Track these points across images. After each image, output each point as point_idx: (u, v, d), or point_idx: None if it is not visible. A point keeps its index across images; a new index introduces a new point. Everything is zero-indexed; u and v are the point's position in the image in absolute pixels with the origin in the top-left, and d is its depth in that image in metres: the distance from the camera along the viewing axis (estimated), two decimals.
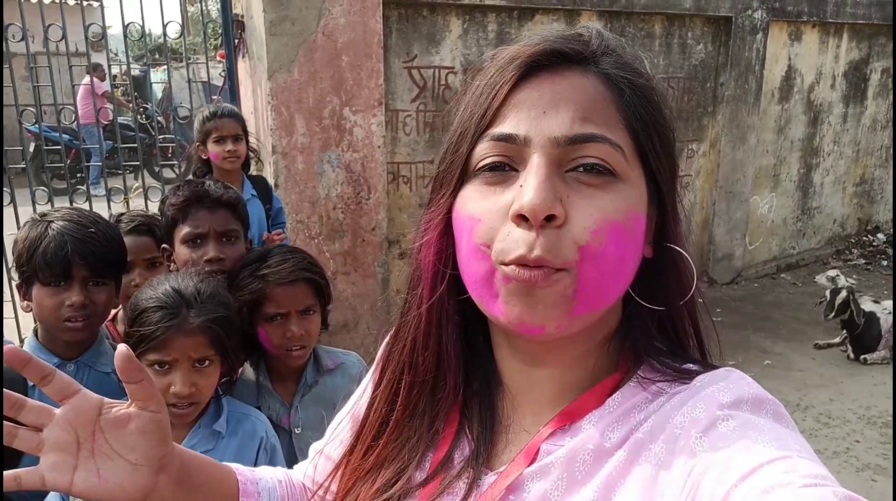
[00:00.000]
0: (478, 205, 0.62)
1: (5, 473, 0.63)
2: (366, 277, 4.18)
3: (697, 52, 5.64)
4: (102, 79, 7.74)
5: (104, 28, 4.11)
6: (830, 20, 6.35)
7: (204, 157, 2.99)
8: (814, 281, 5.94)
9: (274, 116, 3.80)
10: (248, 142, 3.05)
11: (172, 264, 1.89)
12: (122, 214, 2.11)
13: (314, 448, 0.91)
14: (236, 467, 0.84)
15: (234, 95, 4.17)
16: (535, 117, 0.60)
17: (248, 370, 1.75)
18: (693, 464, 0.54)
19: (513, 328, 0.61)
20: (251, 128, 4.22)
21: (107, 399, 0.68)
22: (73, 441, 0.65)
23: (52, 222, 1.58)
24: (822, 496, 0.46)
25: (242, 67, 4.26)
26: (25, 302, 1.61)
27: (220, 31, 4.20)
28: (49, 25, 3.74)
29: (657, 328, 0.67)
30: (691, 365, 0.64)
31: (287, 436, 1.70)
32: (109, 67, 4.49)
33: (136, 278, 1.95)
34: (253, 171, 3.41)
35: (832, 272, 5.27)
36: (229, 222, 1.86)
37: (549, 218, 0.58)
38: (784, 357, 4.74)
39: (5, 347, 0.64)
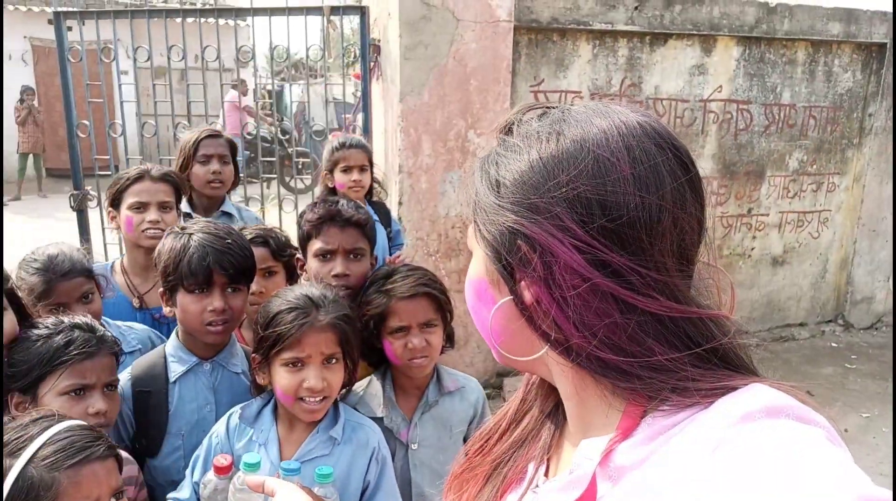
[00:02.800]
0: None
1: None
2: None
3: (844, 81, 5.31)
4: (245, 94, 8.30)
5: (253, 48, 4.43)
6: None
7: (330, 185, 3.11)
8: None
9: (402, 137, 3.94)
10: (372, 172, 3.15)
11: (304, 272, 2.02)
12: (242, 227, 2.25)
13: None
14: None
15: (366, 116, 4.35)
16: None
17: (374, 383, 1.84)
18: (702, 489, 0.53)
19: None
20: (381, 148, 4.39)
21: None
22: None
23: (192, 234, 1.72)
24: None
25: (376, 88, 4.45)
26: (169, 307, 1.77)
27: (357, 54, 4.40)
28: (206, 47, 4.08)
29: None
30: (719, 384, 0.62)
31: (404, 450, 1.76)
32: (256, 85, 4.82)
33: (254, 285, 2.09)
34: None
35: None
36: (357, 241, 1.96)
37: None
38: None
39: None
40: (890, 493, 0.46)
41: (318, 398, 1.52)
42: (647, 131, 0.65)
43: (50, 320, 1.55)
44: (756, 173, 5.25)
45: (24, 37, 12.02)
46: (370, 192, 3.25)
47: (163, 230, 2.11)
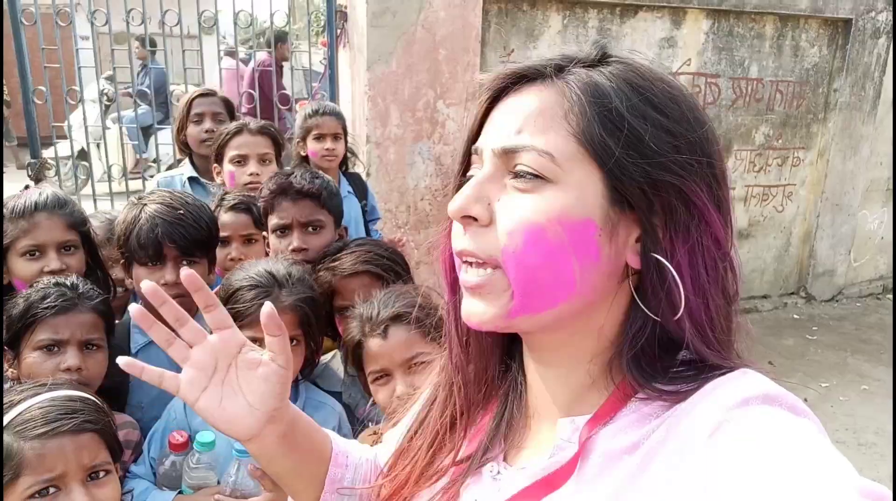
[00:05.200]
0: None
1: (152, 369, 0.75)
2: None
3: (811, 56, 5.35)
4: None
5: (216, 14, 4.30)
6: None
7: (303, 153, 2.99)
8: None
9: (370, 107, 3.88)
10: (346, 141, 3.06)
11: (269, 248, 1.98)
12: (226, 193, 2.20)
13: (386, 436, 0.94)
14: (333, 435, 0.92)
15: (333, 84, 4.28)
16: (489, 132, 0.68)
17: (337, 358, 1.80)
18: (702, 472, 0.53)
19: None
20: (348, 117, 4.31)
21: (249, 342, 0.79)
22: (211, 366, 0.75)
23: (146, 205, 1.67)
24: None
25: (343, 56, 4.36)
26: (129, 280, 1.73)
27: (323, 21, 4.31)
28: (166, 11, 3.95)
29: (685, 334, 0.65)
30: (709, 370, 0.62)
31: (362, 427, 1.73)
32: (219, 51, 4.70)
33: (232, 251, 2.04)
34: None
35: None
36: (313, 213, 1.90)
37: (472, 218, 0.64)
38: (884, 383, 4.45)
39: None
40: (888, 490, 0.46)
41: None
42: None
43: (45, 279, 1.53)
44: (723, 147, 5.28)
45: None
46: (345, 162, 3.15)
47: (261, 183, 2.17)
